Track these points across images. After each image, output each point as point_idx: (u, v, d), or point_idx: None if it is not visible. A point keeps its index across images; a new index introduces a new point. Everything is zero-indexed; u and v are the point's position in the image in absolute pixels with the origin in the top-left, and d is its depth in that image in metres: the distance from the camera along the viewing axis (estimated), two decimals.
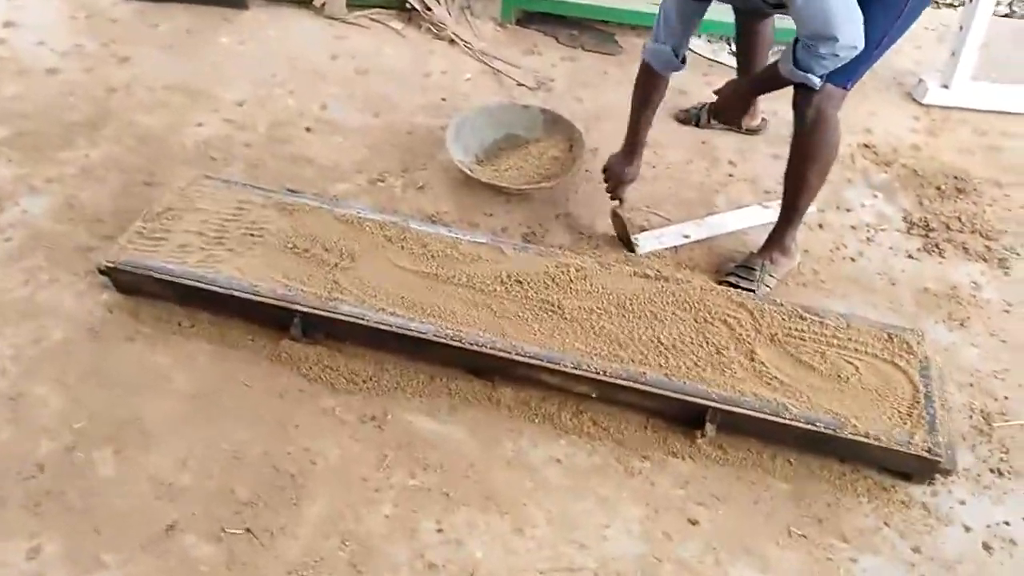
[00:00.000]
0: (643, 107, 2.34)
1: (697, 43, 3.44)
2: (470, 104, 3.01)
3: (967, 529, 1.88)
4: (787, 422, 1.91)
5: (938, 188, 2.80)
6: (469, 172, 2.59)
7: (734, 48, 3.30)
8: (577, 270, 2.21)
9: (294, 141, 2.80)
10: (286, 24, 3.37)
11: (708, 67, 3.35)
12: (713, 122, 2.93)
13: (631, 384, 1.97)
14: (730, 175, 2.81)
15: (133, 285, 2.18)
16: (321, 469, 1.89)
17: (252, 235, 2.25)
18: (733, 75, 3.22)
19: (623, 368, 1.98)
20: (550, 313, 2.11)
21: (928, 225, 2.66)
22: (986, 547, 1.85)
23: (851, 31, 1.87)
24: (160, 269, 2.13)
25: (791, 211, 2.30)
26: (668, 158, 2.85)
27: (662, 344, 2.05)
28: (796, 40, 1.96)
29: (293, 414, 1.99)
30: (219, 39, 3.26)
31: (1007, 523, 1.90)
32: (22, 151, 2.66)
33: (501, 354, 2.01)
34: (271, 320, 2.14)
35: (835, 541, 1.84)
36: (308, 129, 2.85)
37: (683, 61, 2.24)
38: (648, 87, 2.31)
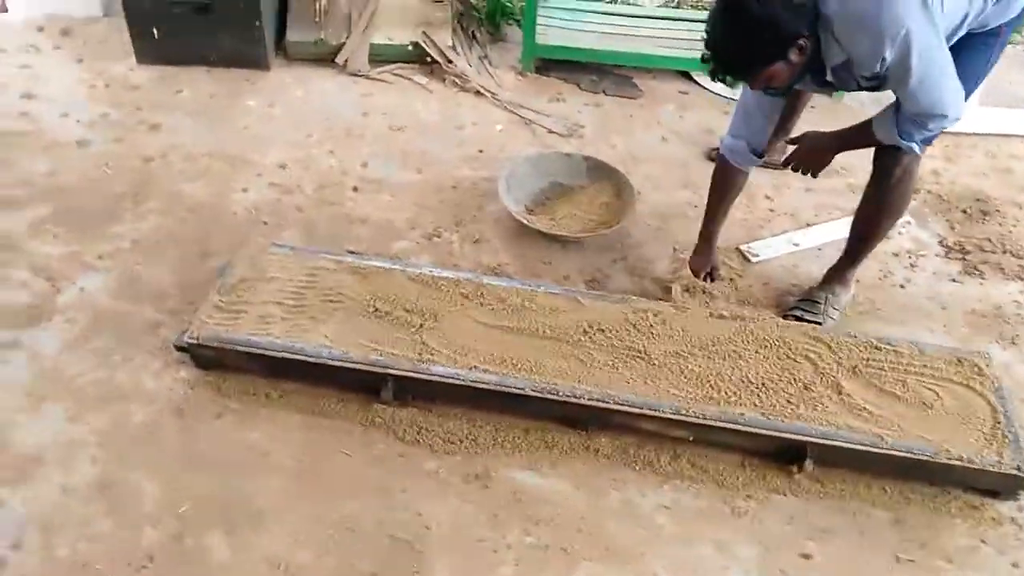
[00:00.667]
0: (721, 202, 2.40)
1: (714, 83, 3.54)
2: (507, 155, 3.06)
3: None
4: (884, 452, 1.97)
5: (964, 212, 2.93)
6: (529, 223, 2.63)
7: None
8: (655, 315, 2.26)
9: (343, 201, 2.81)
10: (311, 83, 3.39)
11: (728, 105, 3.45)
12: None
13: (731, 426, 2.02)
14: (770, 210, 2.90)
15: (215, 360, 2.17)
16: (436, 534, 1.89)
17: (331, 301, 2.25)
18: None
19: (721, 411, 2.03)
20: (638, 359, 2.15)
21: (963, 248, 2.77)
22: None
23: (959, 105, 1.94)
24: (246, 342, 2.12)
25: (859, 252, 2.38)
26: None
27: (751, 383, 2.10)
28: (897, 109, 2.01)
29: (397, 479, 1.99)
30: (246, 102, 3.26)
31: None
32: (69, 228, 2.63)
33: (599, 404, 2.04)
34: (361, 385, 2.14)
35: (941, 563, 1.90)
36: (355, 188, 2.87)
37: (760, 155, 2.29)
38: (727, 183, 2.37)
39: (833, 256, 2.67)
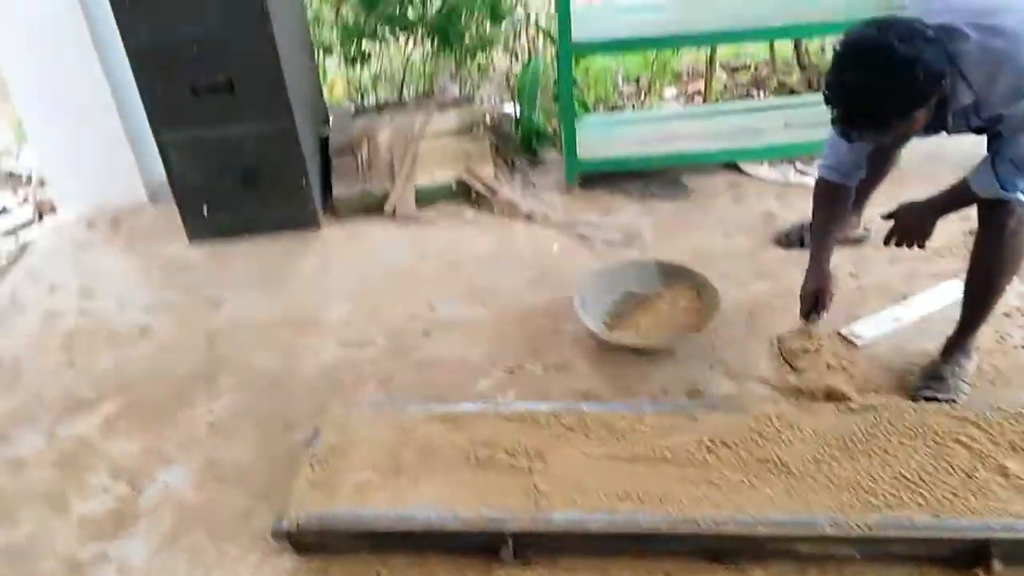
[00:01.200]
0: (825, 217, 2.31)
1: (760, 170, 3.48)
2: (569, 274, 2.96)
3: None
4: None
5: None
6: (614, 339, 2.50)
7: (798, 166, 3.36)
8: (778, 418, 2.08)
9: (417, 348, 2.70)
10: (362, 235, 3.37)
11: (781, 190, 3.37)
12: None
13: (902, 534, 1.79)
14: (858, 288, 2.75)
15: (318, 543, 2.00)
16: None
17: (427, 456, 2.10)
18: (805, 192, 3.25)
19: (885, 517, 1.81)
20: (775, 471, 1.95)
21: None
22: None
23: None
24: (348, 520, 1.96)
25: (977, 317, 2.21)
26: (791, 284, 2.77)
27: (908, 480, 1.89)
28: (993, 160, 1.91)
29: None
30: (302, 264, 3.23)
31: None
32: (140, 421, 2.52)
33: (746, 532, 1.83)
34: (476, 546, 1.95)
35: None
36: (425, 333, 2.77)
37: (856, 168, 2.21)
38: (828, 198, 2.28)
39: (940, 325, 2.50)
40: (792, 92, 4.28)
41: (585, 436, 2.11)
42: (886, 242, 2.19)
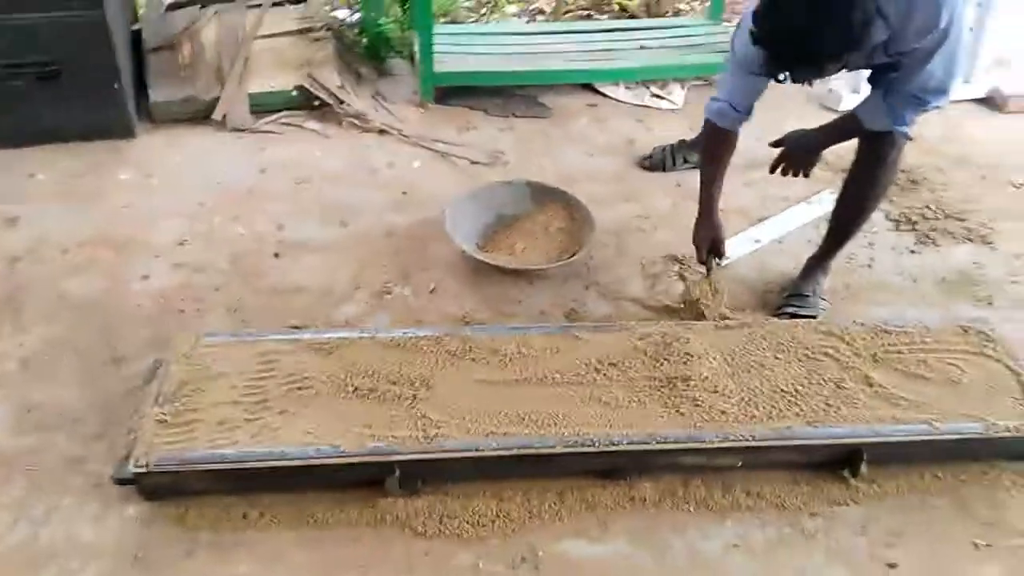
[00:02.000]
0: (714, 164, 2.21)
1: (618, 91, 3.45)
2: (433, 193, 2.80)
3: None
4: (938, 439, 1.87)
5: (896, 184, 2.96)
6: (492, 262, 2.38)
7: (653, 90, 3.37)
8: (662, 337, 2.07)
9: (268, 272, 2.44)
10: (189, 146, 2.98)
11: (639, 112, 3.36)
12: (685, 162, 2.92)
13: (783, 442, 1.85)
14: (721, 209, 2.79)
15: (172, 487, 1.75)
16: None
17: (300, 389, 1.90)
18: (663, 116, 3.28)
19: (768, 428, 1.86)
20: (662, 389, 1.94)
21: (910, 219, 2.79)
22: None
23: (956, 82, 1.89)
24: (211, 458, 1.73)
25: (845, 237, 2.31)
26: (657, 207, 2.80)
27: (785, 392, 1.95)
28: (885, 95, 1.94)
29: None
30: (118, 176, 2.81)
31: None
32: None
33: (640, 447, 1.82)
34: (360, 481, 1.80)
35: (1017, 540, 1.81)
36: (276, 255, 2.50)
37: (749, 113, 2.13)
38: (717, 143, 2.19)
39: (795, 246, 2.61)
40: (632, 17, 4.26)
41: (471, 361, 1.99)
42: (772, 170, 2.21)
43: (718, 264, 2.32)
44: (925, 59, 1.83)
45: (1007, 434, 1.89)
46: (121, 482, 1.76)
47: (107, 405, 1.98)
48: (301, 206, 2.72)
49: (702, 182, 2.26)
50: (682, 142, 2.98)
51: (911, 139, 2.06)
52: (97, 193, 2.72)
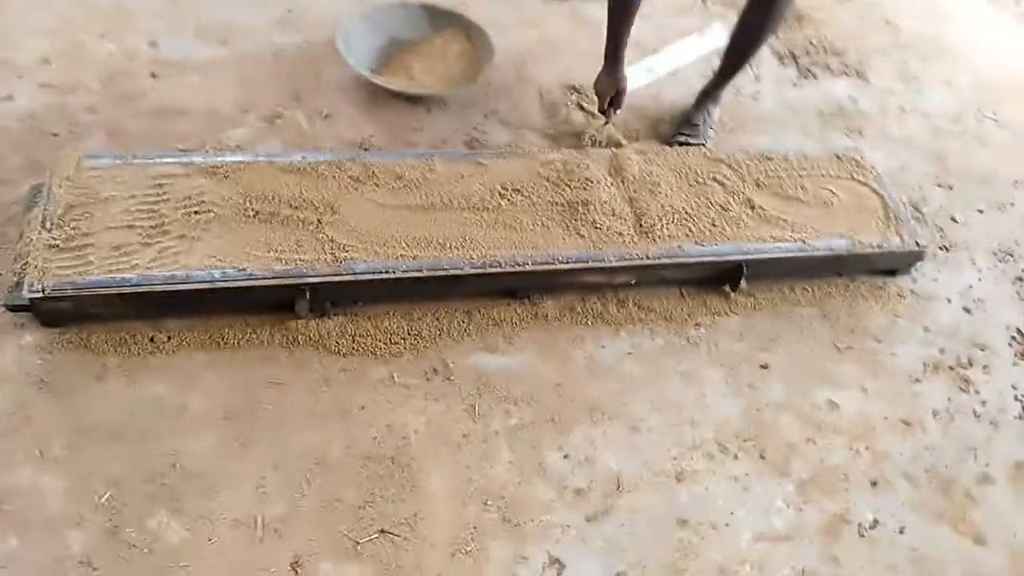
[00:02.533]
0: (622, 15, 2.13)
1: None
2: (321, 10, 2.64)
3: (948, 300, 2.20)
4: (811, 254, 2.06)
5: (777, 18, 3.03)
6: (391, 87, 2.32)
7: None
8: (563, 163, 2.12)
9: (146, 93, 2.28)
10: None
11: None
12: None
13: (674, 260, 1.98)
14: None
15: (71, 313, 1.71)
16: (417, 442, 1.70)
17: (197, 212, 1.84)
18: None
19: (661, 248, 1.98)
20: (564, 213, 2.02)
21: (793, 54, 2.90)
22: (966, 310, 2.19)
23: None
24: (112, 283, 1.68)
25: (735, 71, 2.37)
26: (555, 34, 2.77)
27: (676, 212, 2.07)
28: None
29: (350, 397, 1.74)
30: None
31: (970, 286, 2.25)
32: None
33: (544, 268, 1.90)
34: (268, 304, 1.81)
35: (872, 343, 2.06)
36: (153, 75, 2.33)
37: None
38: None
39: (687, 78, 2.68)
40: None
41: (375, 186, 1.98)
42: None
43: (616, 114, 2.34)
44: None
45: (870, 250, 2.10)
46: (15, 308, 1.69)
47: None
48: (175, 22, 2.51)
49: (609, 31, 2.20)
50: None
51: None
52: None
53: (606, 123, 2.32)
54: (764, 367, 1.96)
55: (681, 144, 2.37)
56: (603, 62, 2.23)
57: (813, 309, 2.11)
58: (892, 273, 2.21)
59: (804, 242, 2.07)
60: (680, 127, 2.43)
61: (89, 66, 2.32)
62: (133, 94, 2.27)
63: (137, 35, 2.45)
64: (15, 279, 1.71)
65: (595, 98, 2.32)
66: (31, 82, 2.24)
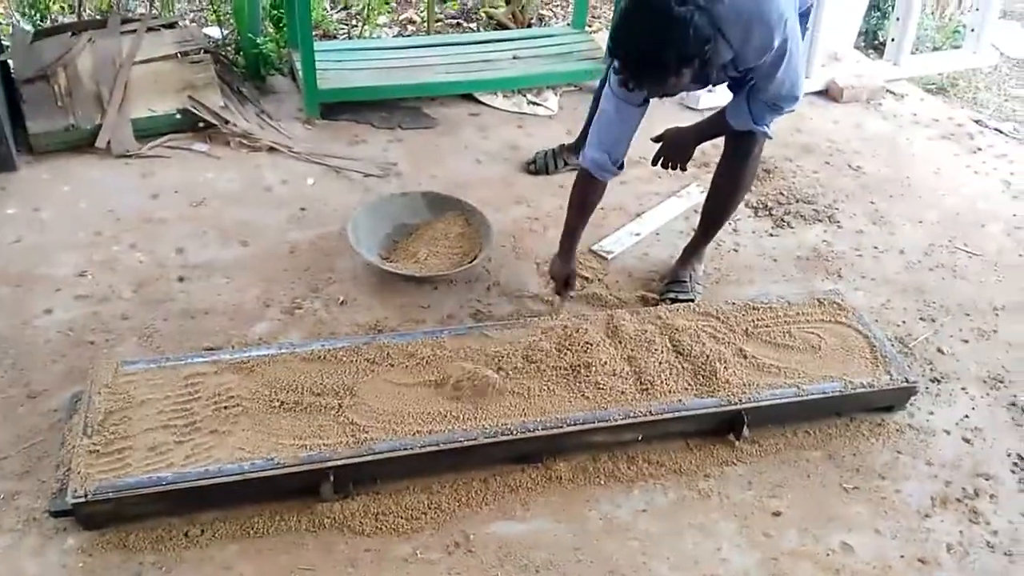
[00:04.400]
0: (582, 211, 2.39)
1: (497, 100, 3.64)
2: (332, 208, 2.90)
3: (947, 432, 2.28)
4: (806, 399, 2.16)
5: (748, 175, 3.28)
6: (399, 271, 2.51)
7: (530, 97, 3.58)
8: (563, 329, 2.27)
9: (175, 296, 2.47)
10: (75, 175, 2.94)
11: (519, 119, 3.56)
12: (566, 165, 3.14)
13: (674, 415, 2.08)
14: (601, 208, 3.01)
15: (111, 514, 1.80)
16: None
17: (226, 407, 1.97)
18: (541, 121, 3.50)
19: (662, 403, 2.09)
20: (568, 376, 2.14)
21: (767, 206, 3.12)
22: (966, 440, 2.26)
23: (803, 87, 2.16)
24: (149, 483, 1.79)
25: (715, 229, 2.58)
26: (545, 208, 3.00)
27: (673, 368, 2.19)
28: (748, 99, 2.18)
29: None
30: (5, 211, 2.75)
31: (966, 416, 2.33)
32: None
33: (553, 431, 2.01)
34: (292, 491, 1.91)
35: (878, 481, 2.12)
36: (181, 279, 2.54)
37: (621, 167, 2.31)
38: (588, 193, 2.36)
39: (670, 237, 2.88)
40: (500, 25, 4.47)
41: (390, 367, 2.12)
42: (654, 162, 2.43)
43: (571, 298, 2.53)
44: (771, 73, 2.08)
45: (863, 389, 2.20)
46: (57, 514, 1.79)
47: (31, 441, 1.99)
48: (199, 229, 2.76)
49: (568, 225, 2.42)
50: (562, 146, 3.20)
51: (771, 137, 2.34)
52: None
53: (561, 303, 2.49)
54: (776, 514, 2.02)
55: (672, 301, 2.53)
56: (558, 249, 2.44)
57: (817, 452, 2.19)
58: (889, 409, 2.30)
59: (799, 387, 2.18)
60: (669, 285, 2.60)
61: (121, 276, 2.53)
62: (162, 299, 2.46)
63: (165, 243, 2.68)
64: (58, 485, 1.82)
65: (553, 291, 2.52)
66: (68, 294, 2.44)
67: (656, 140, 2.44)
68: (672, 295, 2.56)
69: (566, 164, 3.15)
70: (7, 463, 1.95)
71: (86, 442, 1.85)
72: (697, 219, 2.72)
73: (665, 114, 3.48)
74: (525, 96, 3.66)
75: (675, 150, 2.39)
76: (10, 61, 3.20)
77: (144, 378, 2.03)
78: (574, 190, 2.41)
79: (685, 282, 2.59)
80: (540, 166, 3.16)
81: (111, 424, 1.90)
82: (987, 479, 2.15)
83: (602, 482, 2.05)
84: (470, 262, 2.58)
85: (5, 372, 2.17)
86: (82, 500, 1.75)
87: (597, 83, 3.09)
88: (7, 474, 1.92)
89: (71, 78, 3.19)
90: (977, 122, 3.91)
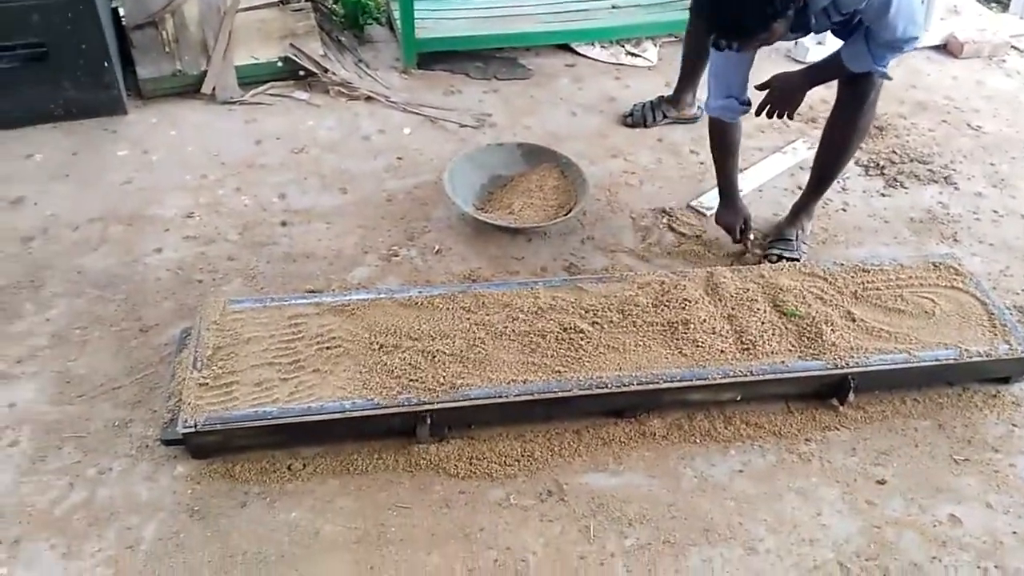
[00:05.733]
0: (728, 154, 2.42)
1: (594, 51, 3.55)
2: (427, 157, 2.90)
3: None
4: (917, 365, 2.06)
5: (860, 131, 3.12)
6: (496, 222, 2.50)
7: (628, 48, 3.48)
8: (660, 285, 2.22)
9: (278, 240, 2.53)
10: (182, 120, 3.02)
11: (617, 70, 3.47)
12: (664, 118, 3.06)
13: (777, 376, 2.02)
14: (700, 163, 2.95)
15: (219, 445, 1.87)
16: (536, 563, 1.75)
17: (328, 348, 2.01)
18: (639, 73, 3.40)
19: (764, 364, 2.03)
20: (665, 332, 2.10)
21: (879, 164, 2.97)
22: None
23: (924, 24, 2.04)
24: (255, 416, 1.85)
25: (827, 183, 2.47)
26: (642, 162, 2.93)
27: (777, 328, 2.12)
28: (867, 39, 2.05)
29: (471, 519, 1.82)
30: (116, 152, 2.85)
31: None
32: None
33: (650, 387, 1.98)
34: (392, 431, 1.94)
35: (990, 454, 2.02)
36: (283, 223, 2.59)
37: (748, 104, 2.30)
38: (726, 137, 2.38)
39: (773, 195, 2.78)
40: None
41: (485, 315, 2.12)
42: (758, 112, 2.34)
43: (753, 240, 2.47)
44: (880, 14, 1.95)
45: (979, 359, 2.09)
46: (169, 443, 1.87)
47: (143, 372, 2.08)
48: (300, 175, 2.80)
49: (720, 173, 2.45)
50: (661, 98, 3.11)
51: (890, 78, 2.20)
52: (98, 171, 2.76)
53: (745, 252, 2.45)
54: (881, 482, 1.95)
55: (776, 259, 2.45)
56: (720, 201, 2.40)
57: (926, 421, 2.09)
58: (1006, 380, 2.18)
59: (910, 353, 2.08)
60: (774, 242, 2.51)
61: (227, 218, 2.60)
62: (266, 242, 2.52)
63: (268, 188, 2.73)
64: (169, 416, 1.90)
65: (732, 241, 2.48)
66: (177, 235, 2.52)
67: (761, 87, 2.33)
68: (777, 252, 2.47)
69: (665, 117, 3.07)
70: (121, 392, 2.04)
71: (196, 375, 1.92)
72: (803, 177, 2.61)
73: (772, 67, 3.34)
74: (623, 47, 3.57)
75: (783, 97, 2.29)
76: (120, 8, 3.29)
77: (250, 316, 2.09)
78: (712, 140, 2.41)
79: (791, 240, 2.50)
80: (637, 119, 3.08)
81: (219, 359, 1.97)
82: None
83: (697, 440, 2.01)
84: (565, 215, 2.55)
85: (118, 307, 2.27)
86: (192, 430, 1.82)
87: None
88: (121, 403, 2.01)
89: (178, 25, 3.26)
90: None
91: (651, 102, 3.10)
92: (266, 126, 3.02)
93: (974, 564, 1.79)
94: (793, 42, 3.54)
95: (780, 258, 2.44)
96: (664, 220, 2.68)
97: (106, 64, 2.91)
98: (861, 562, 1.78)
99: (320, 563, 1.72)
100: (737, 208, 2.48)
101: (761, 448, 2.01)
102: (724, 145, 2.40)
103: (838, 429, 2.06)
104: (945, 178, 2.92)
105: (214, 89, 3.13)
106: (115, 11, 3.27)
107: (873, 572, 1.77)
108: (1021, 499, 1.92)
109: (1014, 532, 1.86)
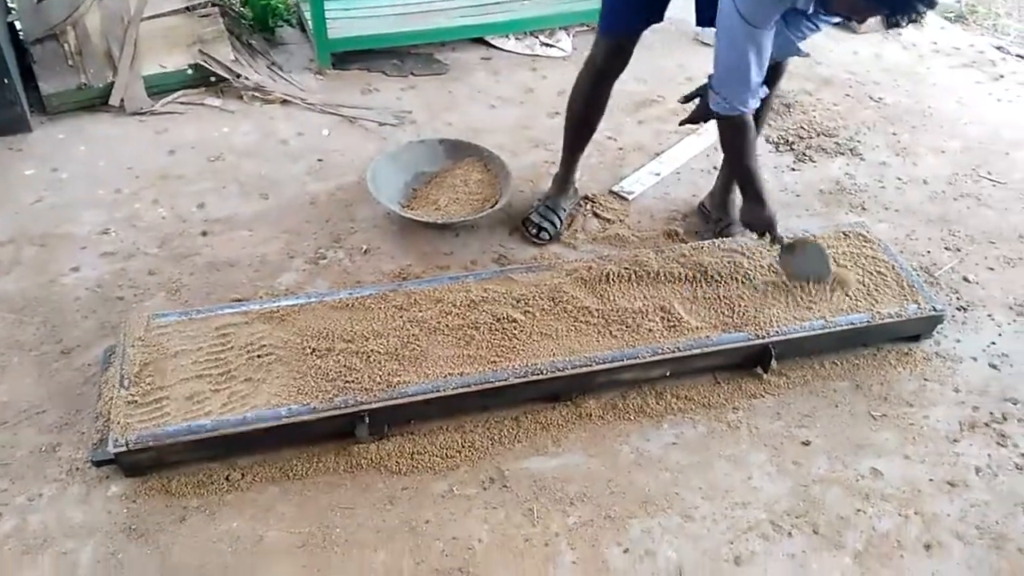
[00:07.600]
0: (754, 151, 2.18)
1: (508, 43, 3.58)
2: (349, 158, 2.89)
3: (974, 359, 2.28)
4: (834, 331, 2.16)
5: (772, 109, 3.24)
6: (422, 219, 2.51)
7: (542, 39, 3.52)
8: (588, 270, 2.27)
9: (199, 250, 2.48)
10: (90, 134, 2.94)
11: (532, 61, 3.51)
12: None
13: (703, 350, 2.09)
14: (619, 149, 3.02)
15: (153, 462, 1.84)
16: (482, 550, 1.78)
17: (260, 356, 2.00)
18: (554, 63, 3.44)
19: (690, 339, 2.10)
20: (593, 316, 2.15)
21: (787, 140, 3.09)
22: (992, 367, 2.26)
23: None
24: (189, 430, 1.82)
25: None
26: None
27: (698, 303, 2.19)
28: (787, 27, 2.03)
29: (415, 513, 1.84)
30: (23, 172, 2.75)
31: (993, 343, 2.33)
32: None
33: (583, 370, 2.02)
34: (329, 434, 1.94)
35: (905, 408, 2.14)
36: (204, 233, 2.55)
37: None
38: (749, 132, 2.13)
39: (691, 176, 2.86)
40: None
41: (418, 312, 2.13)
42: (690, 121, 2.34)
43: (783, 240, 2.27)
44: None
45: (890, 320, 2.20)
46: (100, 464, 1.83)
47: (67, 395, 2.03)
48: (219, 183, 2.76)
49: (747, 172, 2.20)
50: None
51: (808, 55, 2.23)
52: (5, 191, 2.66)
53: (791, 238, 2.30)
54: (806, 443, 2.04)
55: (723, 230, 2.53)
56: (744, 200, 2.27)
57: (844, 382, 2.20)
58: (916, 338, 2.30)
59: (826, 319, 2.18)
60: (729, 226, 2.55)
61: (145, 232, 2.54)
62: (187, 253, 2.47)
63: (185, 199, 2.68)
64: (98, 436, 1.86)
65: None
66: (93, 252, 2.45)
67: (687, 99, 2.37)
68: (737, 231, 2.51)
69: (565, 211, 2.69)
70: (45, 416, 1.98)
71: (123, 393, 1.88)
72: (717, 157, 2.68)
73: (681, 53, 3.43)
74: (538, 38, 3.61)
75: (761, 227, 2.25)
76: (18, 23, 3.17)
77: (176, 330, 2.05)
78: (737, 140, 2.14)
79: (727, 208, 2.57)
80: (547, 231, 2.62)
81: (147, 375, 1.93)
82: (1015, 403, 2.16)
83: (632, 418, 2.07)
84: (491, 207, 2.58)
85: (37, 330, 2.20)
86: (123, 449, 1.78)
87: None
88: (46, 427, 1.96)
89: (80, 37, 3.16)
90: (999, 48, 3.83)
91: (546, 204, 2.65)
92: (179, 135, 2.96)
93: (896, 512, 1.89)
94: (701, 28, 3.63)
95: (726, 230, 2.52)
96: (588, 207, 2.73)
97: (5, 81, 2.81)
98: (792, 520, 1.86)
99: (265, 570, 1.72)
100: (768, 206, 2.23)
101: (692, 420, 2.08)
102: (748, 138, 2.14)
103: (763, 396, 2.14)
104: (851, 150, 3.06)
105: (122, 101, 3.05)
106: (11, 25, 3.16)
107: (804, 528, 1.85)
108: (936, 448, 2.04)
109: (930, 480, 1.97)
